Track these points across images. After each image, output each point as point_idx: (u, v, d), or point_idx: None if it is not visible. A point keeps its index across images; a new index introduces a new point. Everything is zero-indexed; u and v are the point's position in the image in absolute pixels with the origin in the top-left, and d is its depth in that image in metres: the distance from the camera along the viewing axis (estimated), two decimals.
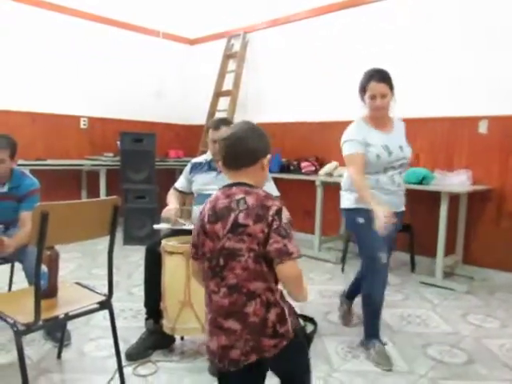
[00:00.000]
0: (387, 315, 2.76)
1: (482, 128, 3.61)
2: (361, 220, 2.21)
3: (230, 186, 1.24)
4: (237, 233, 1.15)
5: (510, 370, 2.11)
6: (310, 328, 2.35)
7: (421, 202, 2.95)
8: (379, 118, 2.28)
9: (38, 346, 2.23)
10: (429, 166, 3.73)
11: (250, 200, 1.17)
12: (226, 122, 2.45)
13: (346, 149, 2.28)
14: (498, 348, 2.33)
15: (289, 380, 1.32)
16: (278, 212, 1.15)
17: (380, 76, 2.19)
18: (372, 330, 2.25)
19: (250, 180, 1.24)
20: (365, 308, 2.26)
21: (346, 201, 2.34)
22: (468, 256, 3.72)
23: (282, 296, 1.23)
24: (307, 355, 1.36)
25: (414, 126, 3.98)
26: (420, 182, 3.43)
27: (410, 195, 3.64)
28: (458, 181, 3.51)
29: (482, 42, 3.58)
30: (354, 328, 2.55)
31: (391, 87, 2.21)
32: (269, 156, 1.28)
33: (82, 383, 1.90)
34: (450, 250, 3.60)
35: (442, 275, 3.39)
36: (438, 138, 3.87)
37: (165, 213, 2.34)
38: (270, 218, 1.14)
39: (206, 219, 1.22)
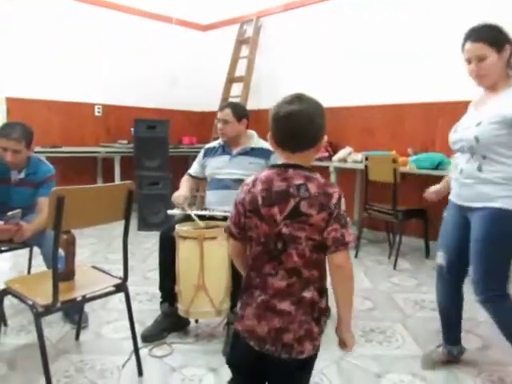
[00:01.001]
0: (400, 300, 2.76)
1: None
2: (445, 213, 1.99)
3: (285, 166, 1.13)
4: (297, 221, 1.09)
5: None
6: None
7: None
8: (489, 89, 1.79)
9: (56, 328, 2.29)
10: (445, 151, 3.68)
11: (312, 187, 1.09)
12: (232, 103, 2.47)
13: None
14: None
15: None
16: (339, 199, 1.09)
17: (477, 35, 1.72)
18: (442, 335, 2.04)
19: (304, 161, 1.14)
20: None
21: None
22: None
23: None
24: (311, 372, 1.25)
25: (432, 110, 3.95)
26: (436, 167, 3.39)
27: (426, 180, 3.61)
28: None
29: None
30: (366, 312, 2.56)
31: (497, 45, 1.68)
32: (326, 137, 1.16)
33: (100, 364, 1.95)
34: None
35: None
36: (456, 121, 3.79)
37: (174, 198, 2.36)
38: (333, 207, 1.08)
39: (260, 201, 1.12)
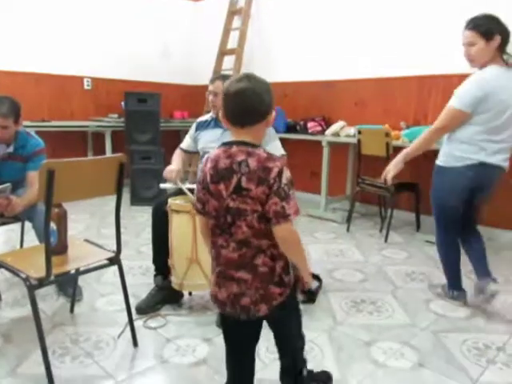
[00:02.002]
0: (391, 272, 2.81)
1: None
2: None
3: (231, 144, 1.21)
4: (240, 195, 1.16)
5: (511, 323, 2.15)
6: (315, 285, 2.40)
7: (428, 160, 2.92)
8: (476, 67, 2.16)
9: (51, 302, 2.30)
10: None
11: (252, 162, 1.15)
12: (223, 76, 2.42)
13: None
14: (501, 303, 2.37)
15: (284, 336, 1.39)
16: (279, 173, 1.14)
17: (472, 24, 2.07)
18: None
19: (252, 138, 1.20)
20: None
21: None
22: None
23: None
24: (300, 312, 1.40)
25: (425, 83, 3.92)
26: None
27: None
28: None
29: None
30: (358, 284, 2.60)
31: (487, 35, 2.02)
32: (274, 112, 1.24)
33: (95, 335, 1.98)
34: None
35: None
36: (449, 95, 3.78)
37: (166, 173, 2.34)
38: (272, 181, 1.13)
39: (208, 179, 1.21)
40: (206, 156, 1.26)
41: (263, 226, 1.18)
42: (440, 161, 2.22)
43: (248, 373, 1.40)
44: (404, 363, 1.81)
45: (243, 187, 1.15)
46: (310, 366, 1.51)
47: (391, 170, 2.33)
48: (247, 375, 1.40)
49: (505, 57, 2.08)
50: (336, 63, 4.47)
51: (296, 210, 1.16)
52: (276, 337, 1.39)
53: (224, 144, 1.23)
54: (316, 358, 1.83)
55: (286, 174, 1.16)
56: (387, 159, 3.37)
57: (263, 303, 1.23)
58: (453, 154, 2.15)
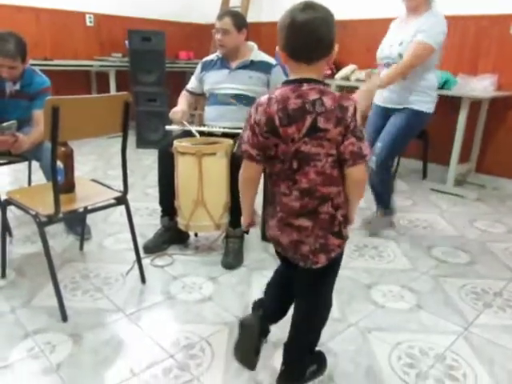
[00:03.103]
0: (395, 219, 2.83)
1: None
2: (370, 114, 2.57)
3: (298, 82, 1.10)
4: (315, 137, 1.08)
5: (510, 270, 2.20)
6: None
7: (439, 107, 2.86)
8: (411, 12, 2.30)
9: (60, 239, 2.36)
10: (452, 70, 3.55)
11: (328, 101, 1.06)
12: (232, 12, 2.31)
13: None
14: (502, 251, 2.41)
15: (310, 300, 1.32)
16: (355, 112, 1.08)
17: None
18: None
19: (318, 74, 1.11)
20: None
21: None
22: (481, 165, 3.69)
23: (346, 200, 1.20)
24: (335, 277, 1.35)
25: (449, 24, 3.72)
26: (442, 87, 3.29)
27: None
28: (481, 86, 3.35)
29: None
30: (360, 230, 2.64)
31: None
32: (337, 46, 1.12)
33: (104, 272, 2.05)
34: (464, 158, 3.56)
35: (454, 183, 3.40)
36: (464, 38, 3.62)
37: (172, 114, 2.31)
38: (349, 120, 1.07)
39: (277, 121, 1.09)
40: (265, 96, 1.13)
41: (335, 171, 1.12)
42: (422, 107, 2.33)
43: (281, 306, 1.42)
44: (402, 305, 1.87)
45: (320, 128, 1.07)
46: None
47: (362, 104, 2.32)
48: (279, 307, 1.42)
49: None
50: (347, 1, 4.23)
51: (370, 152, 1.13)
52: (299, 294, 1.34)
53: (288, 82, 1.12)
54: None
55: (359, 113, 1.09)
56: None
57: (322, 253, 1.19)
58: (427, 100, 2.34)
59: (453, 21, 3.58)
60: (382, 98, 2.47)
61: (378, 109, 2.52)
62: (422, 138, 3.61)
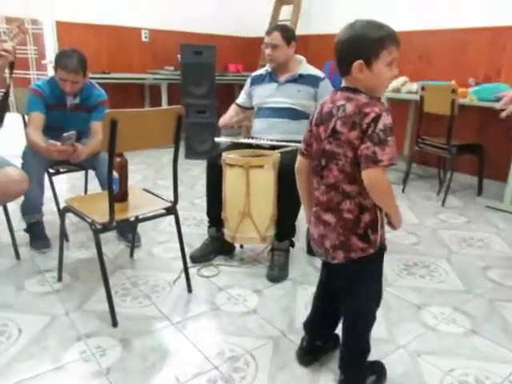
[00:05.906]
0: (446, 236, 2.72)
1: None
2: None
3: (337, 89, 1.25)
4: (335, 138, 1.20)
5: None
6: None
7: (496, 121, 2.73)
8: None
9: (112, 246, 2.45)
10: (511, 82, 3.39)
11: (349, 107, 1.17)
12: (281, 27, 2.33)
13: None
14: None
15: (349, 300, 1.36)
16: (375, 119, 1.13)
17: None
18: None
19: (354, 84, 1.21)
20: None
21: None
22: None
23: (380, 208, 1.25)
24: (380, 282, 1.38)
25: (500, 35, 3.58)
26: (499, 100, 3.14)
27: (486, 114, 3.38)
28: None
29: None
30: (411, 247, 2.55)
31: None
32: (385, 55, 1.19)
33: (152, 279, 2.10)
34: None
35: None
36: None
37: (221, 122, 2.37)
38: (365, 126, 1.14)
39: (313, 121, 1.28)
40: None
41: (356, 171, 1.18)
42: None
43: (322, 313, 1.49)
44: (455, 329, 1.77)
45: (337, 130, 1.19)
46: None
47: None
48: (321, 314, 1.49)
49: None
50: (400, 12, 4.16)
51: (391, 158, 1.13)
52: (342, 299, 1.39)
53: (336, 89, 1.27)
54: None
55: (385, 119, 1.13)
56: (451, 118, 3.18)
57: (341, 250, 1.26)
58: None
59: None
60: None
61: None
62: (478, 153, 3.46)
